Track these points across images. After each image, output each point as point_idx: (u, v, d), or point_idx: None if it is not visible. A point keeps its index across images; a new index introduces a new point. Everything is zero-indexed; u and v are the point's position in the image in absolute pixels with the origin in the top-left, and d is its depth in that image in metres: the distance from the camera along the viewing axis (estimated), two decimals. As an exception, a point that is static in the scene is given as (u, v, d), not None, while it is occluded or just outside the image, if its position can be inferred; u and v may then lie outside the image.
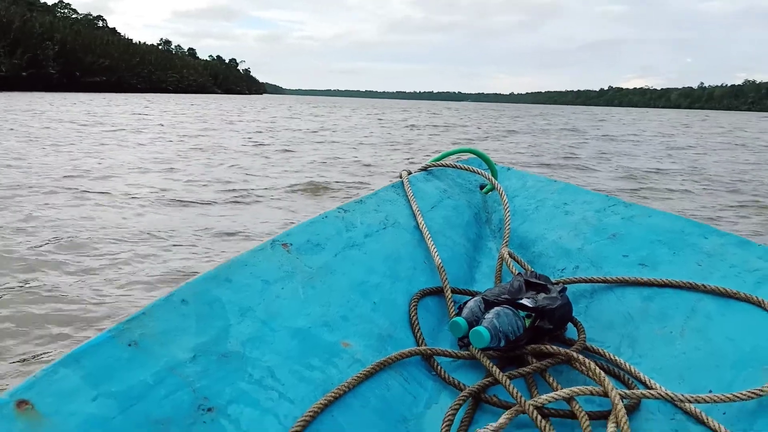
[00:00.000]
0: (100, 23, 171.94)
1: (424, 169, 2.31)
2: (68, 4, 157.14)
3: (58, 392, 0.98)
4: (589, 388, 1.25)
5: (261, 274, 1.44)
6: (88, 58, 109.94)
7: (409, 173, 2.22)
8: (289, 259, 1.53)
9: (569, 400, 1.24)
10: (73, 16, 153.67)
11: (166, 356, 1.13)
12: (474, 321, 1.45)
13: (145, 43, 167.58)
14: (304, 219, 1.73)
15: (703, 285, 1.58)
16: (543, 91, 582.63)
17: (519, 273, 1.69)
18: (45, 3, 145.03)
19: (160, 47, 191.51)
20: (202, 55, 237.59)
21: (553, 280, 1.67)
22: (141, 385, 1.06)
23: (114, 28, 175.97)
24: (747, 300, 1.49)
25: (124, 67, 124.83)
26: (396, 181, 2.15)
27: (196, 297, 1.28)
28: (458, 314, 1.51)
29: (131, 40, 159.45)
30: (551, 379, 1.37)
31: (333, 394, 1.21)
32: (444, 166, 2.32)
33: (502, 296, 1.51)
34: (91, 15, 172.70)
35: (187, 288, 1.28)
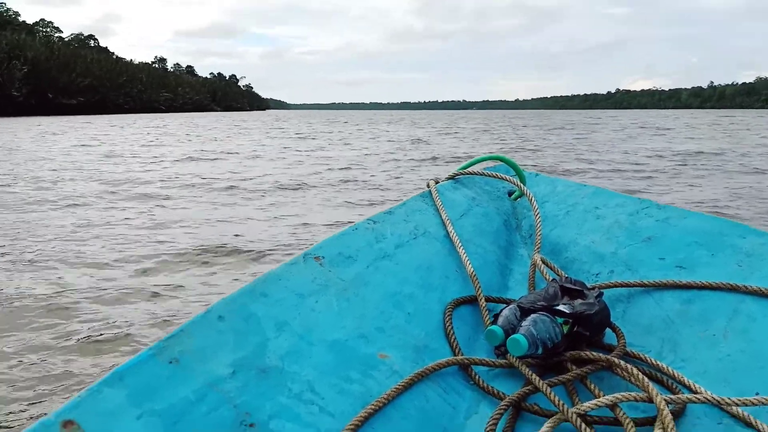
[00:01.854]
0: (92, 43, 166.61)
1: (452, 177, 2.30)
2: (50, 22, 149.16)
3: (104, 412, 0.99)
4: (633, 394, 1.23)
5: (295, 287, 1.44)
6: (64, 78, 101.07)
7: (437, 182, 2.22)
8: (322, 272, 1.53)
9: (613, 406, 1.22)
10: (56, 35, 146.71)
11: (206, 373, 1.13)
12: (510, 329, 1.45)
13: (135, 61, 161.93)
14: (335, 232, 1.72)
15: (744, 286, 1.55)
16: (549, 96, 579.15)
17: (553, 279, 1.67)
18: (24, 22, 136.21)
19: (154, 65, 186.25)
20: (204, 73, 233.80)
21: (589, 286, 1.65)
22: (183, 402, 1.06)
23: (106, 47, 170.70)
24: None
25: (109, 87, 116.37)
26: (424, 191, 2.15)
27: (233, 312, 1.28)
28: (494, 322, 1.50)
29: (123, 59, 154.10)
30: (593, 385, 1.35)
31: (373, 407, 1.20)
32: (471, 174, 2.31)
33: (538, 303, 1.50)
34: (82, 35, 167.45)
35: (223, 304, 1.29)
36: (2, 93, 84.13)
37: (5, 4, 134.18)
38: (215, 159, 18.73)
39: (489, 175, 2.30)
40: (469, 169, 2.33)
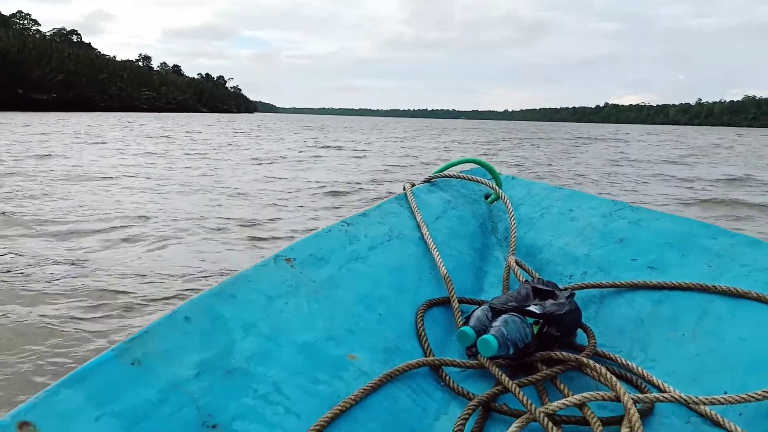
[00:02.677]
0: (75, 38, 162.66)
1: (428, 180, 2.30)
2: (28, 14, 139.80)
3: (62, 413, 0.98)
4: (601, 393, 1.23)
5: (265, 289, 1.43)
6: (36, 73, 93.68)
7: (413, 185, 2.22)
8: (293, 273, 1.52)
9: (581, 406, 1.23)
10: (34, 28, 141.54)
11: (170, 374, 1.12)
12: (482, 330, 1.44)
13: (115, 57, 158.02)
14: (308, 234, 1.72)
15: (713, 286, 1.57)
16: (538, 108, 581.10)
17: (526, 280, 1.67)
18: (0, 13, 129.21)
19: (138, 63, 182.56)
20: (193, 73, 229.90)
21: (561, 287, 1.65)
22: (145, 404, 1.05)
23: (89, 43, 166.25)
24: (759, 299, 1.49)
25: (85, 83, 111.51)
26: (400, 194, 2.14)
27: (200, 314, 1.27)
28: (465, 323, 1.50)
29: (106, 55, 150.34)
30: (562, 385, 1.35)
31: (340, 408, 1.20)
32: (448, 177, 2.31)
33: (510, 304, 1.50)
34: (64, 29, 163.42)
35: (190, 305, 1.28)
36: None
37: None
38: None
39: (465, 178, 2.29)
40: (446, 172, 2.32)
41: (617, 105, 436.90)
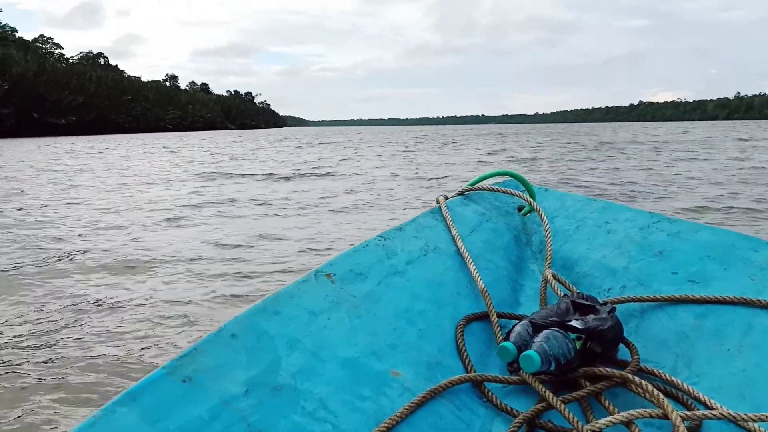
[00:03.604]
0: (102, 61, 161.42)
1: (461, 193, 2.30)
2: (50, 38, 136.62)
3: (117, 431, 1.01)
4: (648, 410, 1.22)
5: (307, 305, 1.45)
6: (53, 96, 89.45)
7: (446, 198, 2.22)
8: (334, 289, 1.54)
9: (628, 423, 1.22)
10: (57, 51, 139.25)
11: (220, 391, 1.14)
12: (522, 345, 1.44)
13: (140, 78, 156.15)
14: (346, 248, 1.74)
15: (757, 300, 1.54)
16: (569, 109, 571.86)
17: (565, 294, 1.66)
18: (20, 38, 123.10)
19: (165, 83, 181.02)
20: (221, 91, 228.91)
21: (601, 301, 1.64)
22: (197, 421, 1.08)
23: (116, 65, 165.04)
24: None
25: (107, 105, 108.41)
26: (434, 207, 2.14)
27: (246, 331, 1.30)
28: (506, 339, 1.49)
29: (134, 77, 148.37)
30: (607, 402, 1.34)
31: (386, 425, 1.21)
32: (481, 189, 2.30)
33: (550, 319, 1.49)
34: (91, 53, 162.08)
35: (236, 322, 1.30)
36: None
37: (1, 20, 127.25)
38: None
39: (498, 191, 2.27)
40: (479, 185, 2.31)
41: (651, 103, 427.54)
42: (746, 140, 37.43)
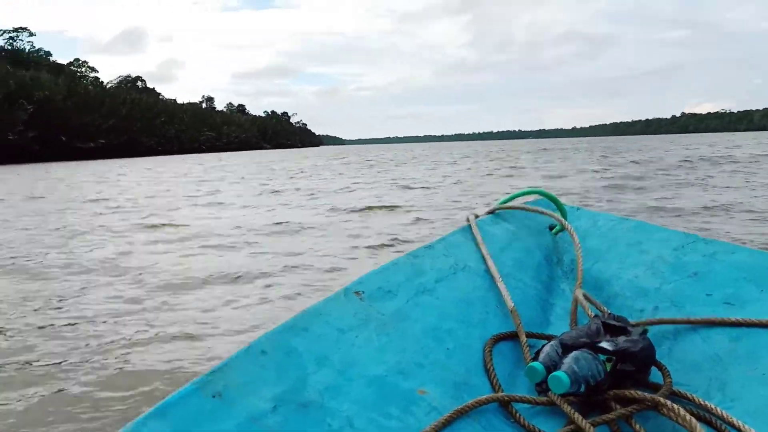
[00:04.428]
0: (140, 84, 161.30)
1: (492, 212, 2.29)
2: (85, 62, 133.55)
3: None
4: None
5: (335, 322, 1.45)
6: (82, 119, 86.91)
7: (476, 216, 2.22)
8: (363, 306, 1.54)
9: None
10: (92, 75, 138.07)
11: (249, 407, 1.16)
12: (551, 366, 1.42)
13: (176, 100, 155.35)
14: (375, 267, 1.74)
15: None
16: (608, 122, 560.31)
17: (596, 315, 1.64)
18: (55, 62, 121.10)
19: (202, 105, 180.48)
20: (259, 112, 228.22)
21: (632, 322, 1.61)
22: None
23: (152, 88, 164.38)
24: None
25: (139, 127, 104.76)
26: (464, 225, 2.14)
27: (275, 347, 1.31)
28: (535, 359, 1.48)
29: (172, 100, 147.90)
30: (638, 426, 1.31)
31: None
32: (511, 208, 2.29)
33: (580, 339, 1.47)
34: (130, 77, 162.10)
35: (265, 339, 1.32)
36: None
37: (34, 44, 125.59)
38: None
39: (529, 210, 2.26)
40: (509, 204, 2.31)
41: (695, 114, 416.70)
42: None
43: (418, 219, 11.18)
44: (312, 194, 17.71)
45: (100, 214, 14.07)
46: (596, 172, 22.62)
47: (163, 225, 11.52)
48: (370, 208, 13.23)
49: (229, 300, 5.76)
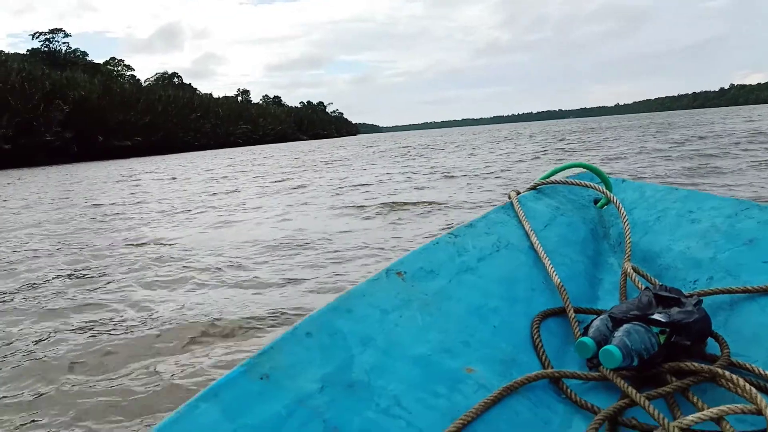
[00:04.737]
0: (176, 80, 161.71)
1: (533, 188, 2.24)
2: (121, 60, 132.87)
3: (200, 427, 1.05)
4: (740, 406, 1.16)
5: (379, 303, 1.46)
6: (118, 118, 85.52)
7: (518, 193, 2.17)
8: (405, 287, 1.54)
9: (718, 420, 1.17)
10: (128, 73, 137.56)
11: (296, 388, 1.17)
12: (602, 340, 1.40)
13: (211, 95, 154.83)
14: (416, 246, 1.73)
15: None
16: (653, 98, 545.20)
17: (646, 288, 1.59)
18: (91, 61, 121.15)
19: (237, 98, 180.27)
20: (294, 103, 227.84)
21: (686, 293, 1.56)
22: (275, 418, 1.11)
23: (189, 83, 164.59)
24: None
25: (175, 123, 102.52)
26: (505, 203, 2.10)
27: (319, 329, 1.32)
28: (584, 334, 1.46)
29: (207, 94, 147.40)
30: (695, 398, 1.28)
31: (461, 422, 1.20)
32: (554, 183, 2.24)
33: (631, 312, 1.43)
34: (166, 73, 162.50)
35: (310, 320, 1.33)
36: (35, 139, 69.46)
37: (70, 45, 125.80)
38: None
39: (572, 183, 2.19)
40: (552, 179, 2.24)
41: (743, 85, 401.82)
42: None
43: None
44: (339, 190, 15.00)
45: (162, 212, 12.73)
46: (659, 150, 19.79)
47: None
48: (399, 204, 10.84)
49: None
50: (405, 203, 10.82)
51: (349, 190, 14.58)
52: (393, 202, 11.00)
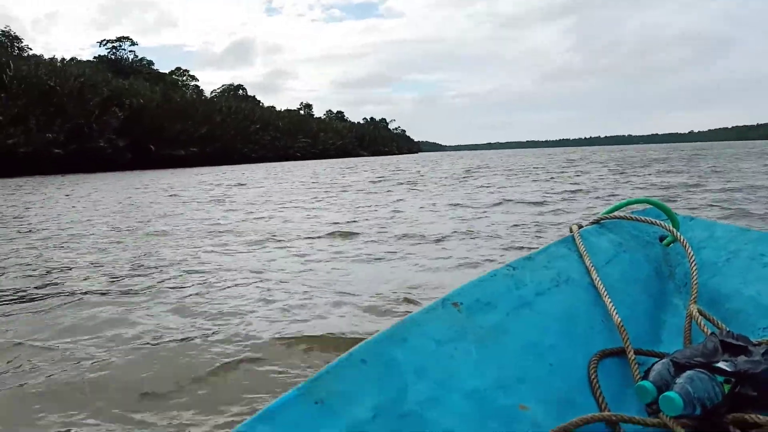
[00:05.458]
0: (240, 92, 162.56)
1: (596, 222, 2.17)
2: (186, 71, 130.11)
3: None
4: None
5: (434, 333, 1.44)
6: (175, 127, 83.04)
7: (580, 227, 2.11)
8: (460, 318, 1.52)
9: None
10: (192, 84, 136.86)
11: (350, 415, 1.18)
12: (663, 386, 1.35)
13: (273, 108, 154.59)
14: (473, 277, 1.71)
15: None
16: (730, 126, 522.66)
17: (712, 333, 1.54)
18: (156, 70, 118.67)
19: (300, 112, 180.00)
20: (358, 119, 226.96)
21: (754, 341, 1.49)
22: None
23: (253, 96, 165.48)
24: None
25: (233, 135, 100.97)
26: (566, 236, 2.04)
27: (374, 357, 1.32)
28: (644, 378, 1.41)
29: (271, 107, 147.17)
30: None
31: None
32: (618, 218, 2.16)
33: (695, 359, 1.39)
34: (232, 85, 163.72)
35: (365, 347, 1.33)
36: (89, 145, 67.08)
37: (136, 54, 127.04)
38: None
39: (637, 219, 2.11)
40: (615, 213, 2.17)
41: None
42: None
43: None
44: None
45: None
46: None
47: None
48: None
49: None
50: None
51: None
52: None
